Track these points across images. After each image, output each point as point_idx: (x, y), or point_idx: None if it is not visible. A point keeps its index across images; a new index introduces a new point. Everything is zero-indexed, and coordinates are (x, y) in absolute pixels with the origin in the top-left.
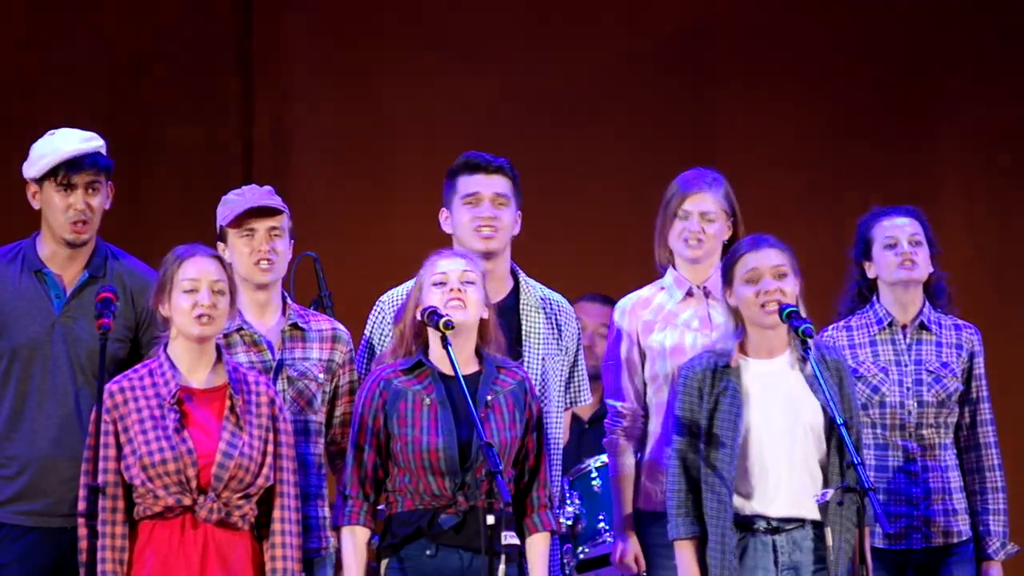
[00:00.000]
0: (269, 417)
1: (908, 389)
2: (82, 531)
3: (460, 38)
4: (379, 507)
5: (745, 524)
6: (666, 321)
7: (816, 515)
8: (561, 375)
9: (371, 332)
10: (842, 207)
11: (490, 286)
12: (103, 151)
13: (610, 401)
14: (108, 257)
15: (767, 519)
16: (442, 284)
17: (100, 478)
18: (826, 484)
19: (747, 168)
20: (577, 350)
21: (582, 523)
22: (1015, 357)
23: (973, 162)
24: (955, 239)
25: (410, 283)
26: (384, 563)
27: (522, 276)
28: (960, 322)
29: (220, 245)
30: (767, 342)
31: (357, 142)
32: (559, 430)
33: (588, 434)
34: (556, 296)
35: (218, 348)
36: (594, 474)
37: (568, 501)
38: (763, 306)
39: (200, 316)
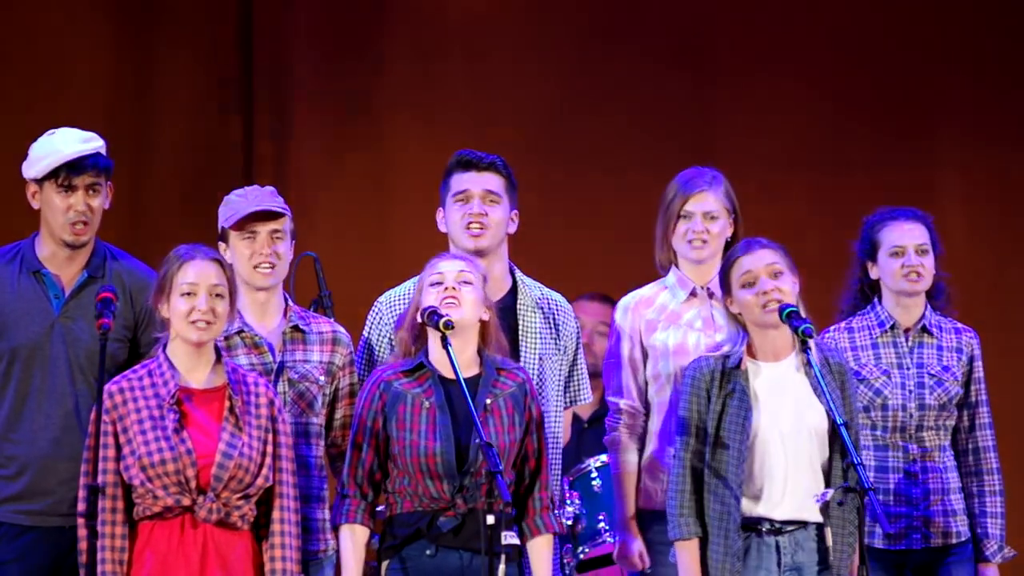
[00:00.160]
0: (268, 418)
1: (910, 392)
2: (82, 531)
3: (460, 38)
4: (379, 508)
5: (749, 526)
6: (669, 320)
7: (819, 516)
8: (560, 374)
9: (369, 333)
10: (842, 207)
11: (487, 286)
12: (103, 152)
13: (612, 399)
14: (107, 257)
15: (772, 521)
16: (439, 284)
17: (100, 478)
18: (827, 485)
19: (747, 168)
20: (576, 349)
21: (582, 523)
22: (1015, 357)
23: (973, 162)
24: (955, 239)
25: (408, 283)
26: (385, 564)
27: (519, 275)
28: (960, 325)
29: (221, 245)
30: (772, 344)
31: (357, 142)
32: (558, 429)
33: (587, 433)
34: (554, 295)
35: (217, 349)
36: (594, 474)
37: (568, 501)
38: (764, 307)
39: (196, 321)
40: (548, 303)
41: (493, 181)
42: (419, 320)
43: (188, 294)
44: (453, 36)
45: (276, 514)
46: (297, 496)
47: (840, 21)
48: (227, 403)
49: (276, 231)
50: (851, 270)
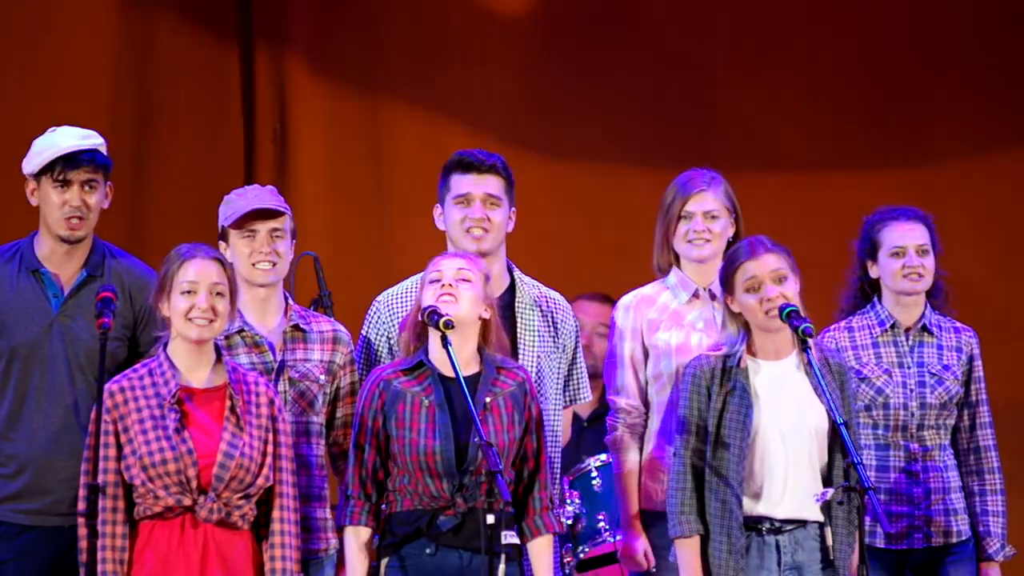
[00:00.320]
0: (268, 417)
1: (911, 391)
2: (82, 531)
3: (460, 37)
4: (381, 506)
5: (749, 525)
6: (672, 320)
7: (819, 516)
8: (558, 373)
9: (368, 331)
10: (842, 207)
11: (488, 284)
12: (102, 149)
13: (613, 398)
14: (106, 256)
15: (772, 520)
16: (437, 281)
17: (100, 478)
18: (827, 484)
19: (747, 168)
20: (575, 347)
21: (582, 522)
22: (1015, 357)
23: (973, 162)
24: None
25: (407, 282)
26: (384, 562)
27: (517, 273)
28: (959, 325)
29: (221, 244)
30: (773, 344)
31: (357, 142)
32: (558, 428)
33: (587, 433)
34: (553, 293)
35: (217, 348)
36: (594, 473)
37: (568, 500)
38: (767, 312)
39: (196, 319)
40: (546, 301)
41: (493, 184)
42: (419, 319)
43: (188, 292)
44: (454, 35)
45: (276, 514)
46: (297, 496)
47: (839, 21)
48: (228, 403)
49: (276, 229)
50: (851, 269)
